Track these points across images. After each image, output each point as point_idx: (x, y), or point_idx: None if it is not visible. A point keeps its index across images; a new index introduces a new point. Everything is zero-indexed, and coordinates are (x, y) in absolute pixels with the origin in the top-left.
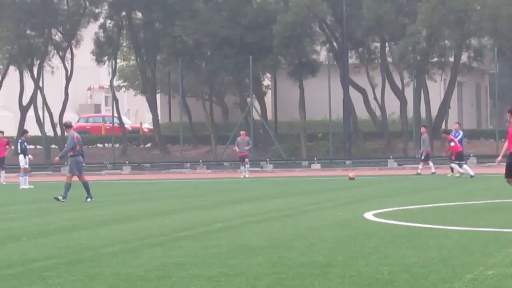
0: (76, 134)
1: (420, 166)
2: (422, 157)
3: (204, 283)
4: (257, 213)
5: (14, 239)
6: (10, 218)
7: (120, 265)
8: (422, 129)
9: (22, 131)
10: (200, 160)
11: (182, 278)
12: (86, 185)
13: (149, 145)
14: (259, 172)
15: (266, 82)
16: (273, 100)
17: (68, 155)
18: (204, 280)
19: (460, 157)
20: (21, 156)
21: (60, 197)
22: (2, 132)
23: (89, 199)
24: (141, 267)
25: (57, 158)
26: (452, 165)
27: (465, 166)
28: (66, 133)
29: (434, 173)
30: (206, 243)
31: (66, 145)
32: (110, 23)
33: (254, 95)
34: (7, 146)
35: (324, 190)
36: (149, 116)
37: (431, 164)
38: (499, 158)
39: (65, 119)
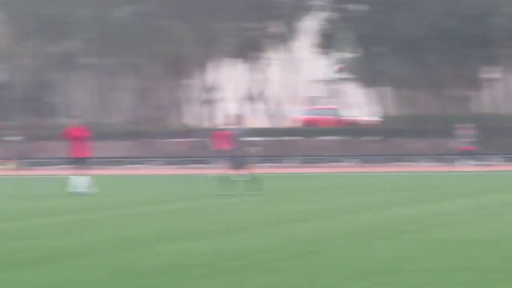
0: None
1: None
2: None
3: (435, 276)
4: (486, 206)
5: (244, 229)
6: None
7: (348, 258)
8: None
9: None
10: (425, 153)
11: (413, 272)
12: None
13: (373, 137)
14: (485, 166)
15: (494, 74)
16: (502, 92)
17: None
18: (434, 274)
19: None
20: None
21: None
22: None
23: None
24: (370, 260)
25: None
26: None
27: None
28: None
29: None
30: (432, 236)
31: None
32: (332, 15)
33: (479, 87)
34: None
35: None
36: (372, 109)
37: None
38: None
39: (294, 112)
